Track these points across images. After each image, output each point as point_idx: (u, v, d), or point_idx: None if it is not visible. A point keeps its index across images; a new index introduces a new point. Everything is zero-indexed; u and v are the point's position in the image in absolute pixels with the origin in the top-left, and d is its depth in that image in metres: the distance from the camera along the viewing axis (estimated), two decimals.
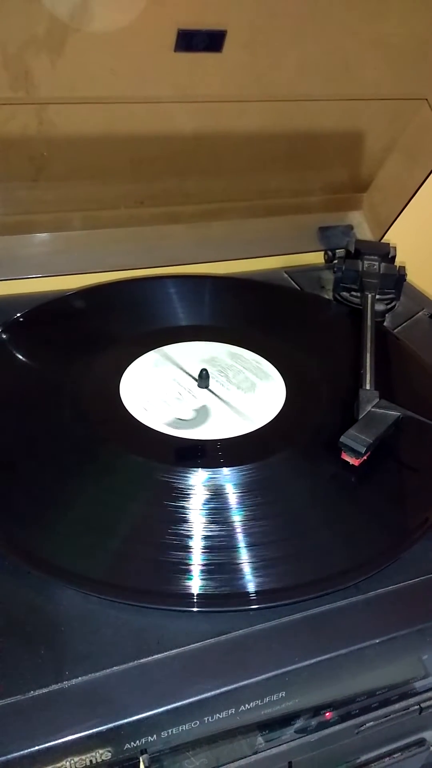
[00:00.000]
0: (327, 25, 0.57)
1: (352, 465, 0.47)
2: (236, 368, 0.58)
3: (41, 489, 0.45)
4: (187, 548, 0.41)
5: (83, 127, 0.59)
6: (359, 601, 0.40)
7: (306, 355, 0.60)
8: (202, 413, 0.52)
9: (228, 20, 0.54)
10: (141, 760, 0.35)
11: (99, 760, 0.34)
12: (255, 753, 0.40)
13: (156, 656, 0.36)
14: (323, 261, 0.79)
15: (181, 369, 0.57)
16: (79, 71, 0.53)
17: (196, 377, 0.55)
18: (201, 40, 0.54)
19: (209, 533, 0.42)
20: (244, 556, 0.41)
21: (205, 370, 0.55)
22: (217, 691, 0.35)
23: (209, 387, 0.55)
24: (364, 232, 0.81)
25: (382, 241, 0.79)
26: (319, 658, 0.37)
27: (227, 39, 0.55)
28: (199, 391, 0.55)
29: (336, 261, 0.72)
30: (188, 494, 0.44)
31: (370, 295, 0.65)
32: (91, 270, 0.69)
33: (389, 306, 0.69)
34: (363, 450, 0.46)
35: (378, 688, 0.42)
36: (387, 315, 0.69)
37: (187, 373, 0.56)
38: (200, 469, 0.46)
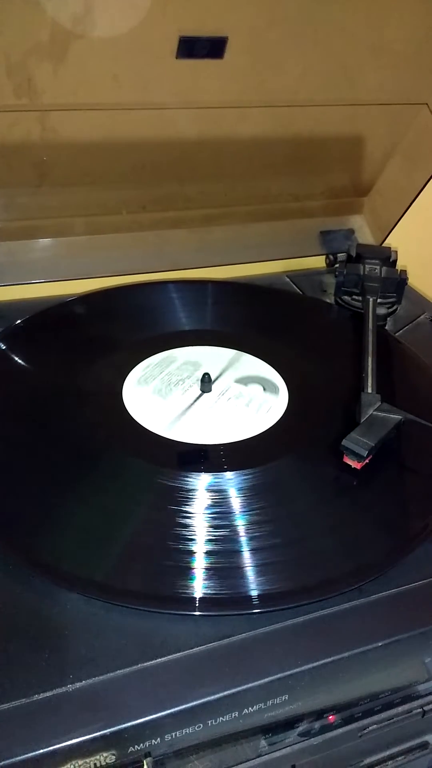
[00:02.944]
0: (327, 31, 0.58)
1: (354, 468, 0.47)
2: (238, 372, 0.58)
3: (44, 494, 0.45)
4: (189, 552, 0.41)
5: (86, 134, 0.59)
6: (362, 604, 0.40)
7: (308, 358, 0.61)
8: (202, 417, 0.52)
9: (229, 27, 0.54)
10: (145, 763, 0.35)
11: (103, 763, 0.34)
12: (258, 756, 0.41)
13: (159, 660, 0.36)
14: (325, 265, 0.79)
15: (184, 373, 0.57)
16: (81, 78, 0.53)
17: (199, 381, 0.56)
18: (202, 47, 0.54)
19: (212, 537, 0.42)
20: (247, 560, 0.41)
21: (207, 374, 0.55)
22: (221, 695, 0.35)
23: (212, 391, 0.55)
24: (365, 236, 0.82)
25: (384, 245, 0.79)
26: (321, 662, 0.37)
27: (228, 45, 0.55)
28: (202, 395, 0.55)
29: (337, 265, 0.72)
30: (191, 498, 0.44)
31: (371, 299, 0.65)
32: (94, 275, 0.69)
33: (390, 310, 0.69)
34: (365, 453, 0.46)
35: (381, 691, 0.42)
36: (388, 319, 0.69)
37: (189, 377, 0.57)
38: (203, 473, 0.46)
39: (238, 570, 0.40)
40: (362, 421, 0.49)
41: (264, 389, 0.56)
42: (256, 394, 0.55)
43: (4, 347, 0.59)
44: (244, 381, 0.57)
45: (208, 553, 0.41)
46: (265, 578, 0.40)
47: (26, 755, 0.32)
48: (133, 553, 0.41)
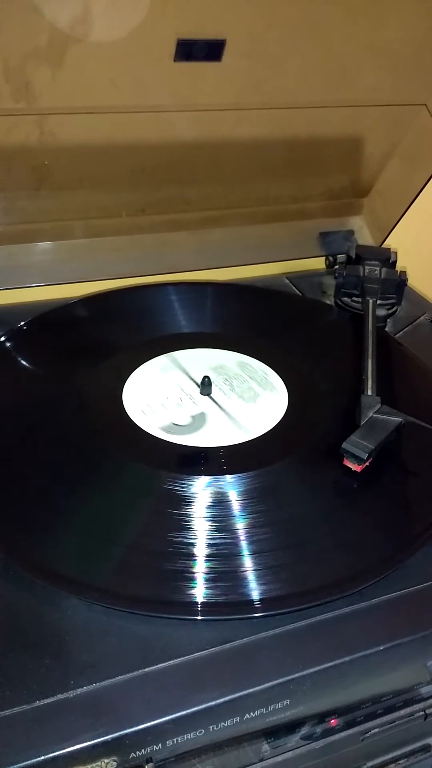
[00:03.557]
0: (326, 33, 0.58)
1: (355, 471, 0.47)
2: (238, 374, 0.58)
3: (45, 498, 0.45)
4: (190, 556, 0.41)
5: (84, 137, 0.59)
6: (363, 608, 0.40)
7: (307, 360, 0.60)
8: (203, 420, 0.52)
9: (227, 30, 0.54)
10: None
11: None
12: (261, 760, 0.41)
13: (160, 665, 0.36)
14: (324, 266, 0.79)
15: (184, 376, 0.57)
16: (79, 82, 0.53)
17: (198, 384, 0.55)
18: (200, 50, 0.54)
19: (213, 541, 0.42)
20: (248, 564, 0.41)
21: (207, 377, 0.55)
22: (222, 700, 0.35)
23: (211, 394, 0.55)
24: (364, 237, 0.81)
25: (383, 246, 0.79)
26: (323, 666, 0.37)
27: (226, 48, 0.55)
28: (201, 398, 0.55)
29: (337, 266, 0.72)
30: (191, 502, 0.44)
31: (371, 301, 0.65)
32: (94, 278, 0.69)
33: (390, 311, 0.69)
34: (365, 456, 0.46)
35: (383, 694, 0.42)
36: (388, 320, 0.69)
37: (189, 380, 0.57)
38: (203, 476, 0.46)
39: (239, 574, 0.40)
40: (362, 423, 0.49)
41: (264, 391, 0.56)
42: (256, 396, 0.55)
43: (5, 350, 0.59)
44: (244, 383, 0.57)
45: (209, 557, 0.41)
46: (266, 582, 0.40)
47: (27, 762, 0.32)
48: (134, 557, 0.41)
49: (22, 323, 0.62)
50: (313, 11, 0.55)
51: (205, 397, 0.55)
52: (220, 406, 0.54)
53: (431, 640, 0.40)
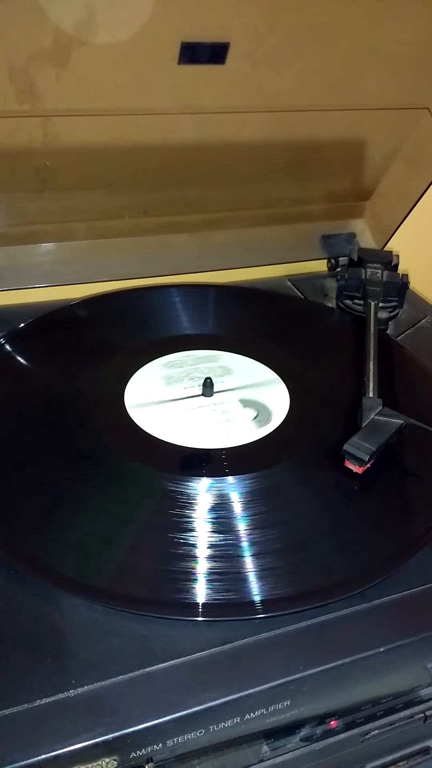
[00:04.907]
0: (328, 36, 0.58)
1: (356, 473, 0.47)
2: (240, 376, 0.58)
3: (46, 498, 0.45)
4: (191, 557, 0.41)
5: (88, 139, 0.60)
6: (363, 609, 0.40)
7: (309, 363, 0.61)
8: (204, 421, 0.52)
9: (231, 33, 0.54)
10: None
11: None
12: (260, 761, 0.41)
13: (161, 665, 0.36)
14: (326, 269, 0.79)
15: (185, 378, 0.57)
16: (83, 84, 0.54)
17: (200, 386, 0.56)
18: (204, 53, 0.54)
19: (214, 542, 0.42)
20: (249, 565, 0.41)
21: (209, 378, 0.55)
22: (222, 700, 0.35)
23: (213, 395, 0.55)
24: (366, 240, 0.82)
25: (385, 249, 0.79)
26: (323, 667, 0.37)
27: (230, 51, 0.55)
28: (204, 399, 0.55)
29: (339, 269, 0.72)
30: (193, 503, 0.44)
31: (373, 303, 0.65)
32: (95, 279, 0.69)
33: (392, 314, 0.70)
34: (366, 458, 0.46)
35: (383, 696, 0.42)
36: (390, 323, 0.69)
37: (191, 381, 0.57)
38: (204, 477, 0.46)
39: (239, 575, 0.40)
40: (364, 425, 0.49)
41: (265, 394, 0.56)
42: (258, 398, 0.55)
43: (6, 351, 0.59)
44: (246, 385, 0.57)
45: (210, 558, 0.41)
46: (267, 583, 0.40)
47: (28, 761, 0.32)
48: (135, 557, 0.41)
49: (22, 324, 0.62)
50: (316, 15, 0.56)
51: (208, 398, 0.55)
52: (224, 406, 0.54)
53: (431, 642, 0.40)
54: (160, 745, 0.35)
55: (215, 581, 0.40)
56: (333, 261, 0.78)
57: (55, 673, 0.35)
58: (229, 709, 0.35)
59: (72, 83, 0.53)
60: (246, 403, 0.55)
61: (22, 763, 0.32)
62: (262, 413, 0.54)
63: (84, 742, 0.33)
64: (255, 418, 0.53)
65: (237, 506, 0.45)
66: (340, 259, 0.76)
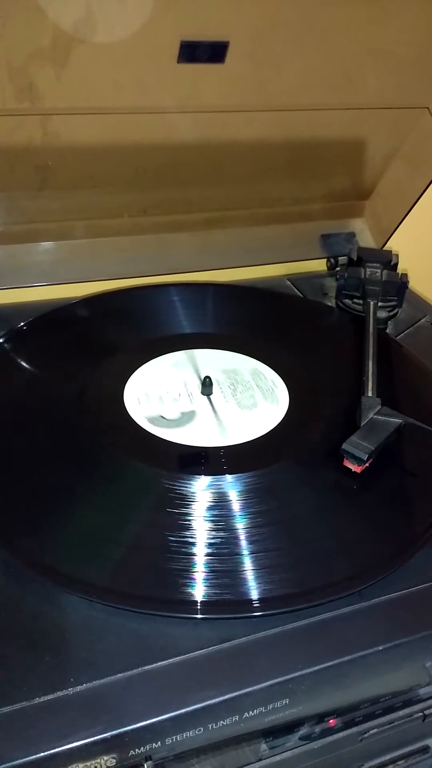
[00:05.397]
0: (328, 35, 0.58)
1: (355, 472, 0.47)
2: (238, 374, 0.58)
3: (45, 496, 0.45)
4: (190, 555, 0.41)
5: (87, 138, 0.60)
6: (362, 608, 0.40)
7: (308, 361, 0.61)
8: (204, 420, 0.52)
9: (230, 32, 0.54)
10: (145, 766, 0.35)
11: (104, 766, 0.34)
12: (259, 760, 0.41)
13: (160, 663, 0.36)
14: (326, 268, 0.79)
15: (185, 376, 0.57)
16: (83, 82, 0.54)
17: (199, 385, 0.56)
18: (204, 52, 0.54)
19: (213, 540, 0.42)
20: (248, 564, 0.41)
21: (208, 377, 0.55)
22: (221, 698, 0.35)
23: (212, 394, 0.55)
24: (366, 239, 0.82)
25: (385, 248, 0.79)
26: (322, 666, 0.37)
27: (230, 50, 0.55)
28: (203, 397, 0.55)
29: (338, 268, 0.72)
30: (192, 501, 0.45)
31: (372, 303, 0.65)
32: (95, 278, 0.69)
33: (391, 313, 0.70)
34: (365, 457, 0.46)
35: (382, 695, 0.42)
36: (389, 322, 0.69)
37: (190, 380, 0.57)
38: (204, 476, 0.46)
39: (238, 573, 0.40)
40: (362, 424, 0.49)
41: (263, 392, 0.56)
42: (255, 397, 0.55)
43: (6, 350, 0.59)
44: (245, 384, 0.57)
45: (209, 556, 0.41)
46: (266, 581, 0.40)
47: (27, 758, 0.32)
48: (134, 555, 0.41)
49: (21, 323, 0.62)
50: (316, 14, 0.56)
51: (207, 397, 0.55)
52: (224, 405, 0.54)
53: (430, 641, 0.40)
54: (159, 743, 0.35)
55: (214, 579, 0.40)
56: (332, 260, 0.78)
57: (54, 671, 0.35)
58: (227, 708, 0.35)
59: (71, 82, 0.53)
60: (245, 401, 0.55)
61: (20, 761, 0.32)
62: (260, 412, 0.54)
63: (83, 740, 0.33)
64: (254, 416, 0.53)
65: (236, 504, 0.45)
66: (340, 258, 0.76)
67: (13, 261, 0.67)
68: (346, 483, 0.47)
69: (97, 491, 0.46)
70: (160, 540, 0.42)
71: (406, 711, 0.44)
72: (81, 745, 0.32)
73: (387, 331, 0.68)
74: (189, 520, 0.43)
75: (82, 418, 0.52)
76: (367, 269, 0.69)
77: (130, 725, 0.33)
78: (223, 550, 0.41)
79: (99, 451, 0.49)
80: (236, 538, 0.42)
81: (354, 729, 0.43)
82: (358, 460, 0.47)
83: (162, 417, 0.52)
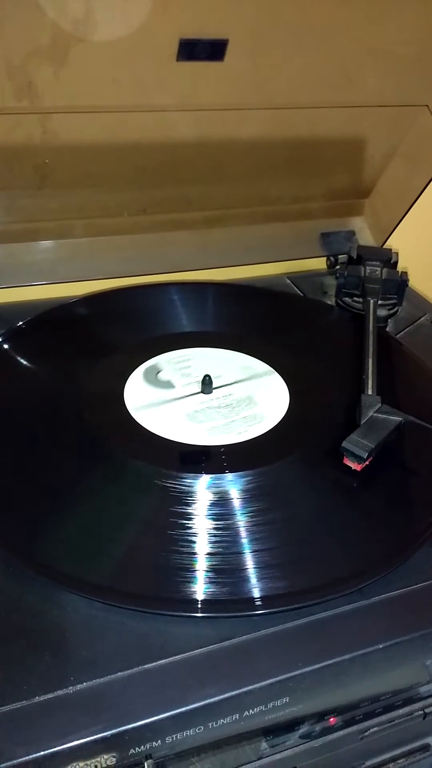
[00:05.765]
0: (327, 33, 0.58)
1: (355, 470, 0.47)
2: (239, 373, 0.58)
3: (45, 495, 0.45)
4: (190, 554, 0.41)
5: (86, 136, 0.59)
6: (363, 606, 0.40)
7: (308, 360, 0.61)
8: (204, 418, 0.52)
9: (230, 29, 0.54)
10: (146, 765, 0.35)
11: (104, 765, 0.34)
12: (259, 758, 0.41)
13: (160, 662, 0.36)
14: (325, 267, 0.79)
15: (185, 375, 0.57)
16: (82, 81, 0.54)
17: (199, 383, 0.56)
18: (203, 50, 0.54)
19: (213, 539, 0.42)
20: (248, 562, 0.41)
21: (208, 375, 0.55)
22: (221, 697, 0.35)
23: (212, 392, 0.55)
24: (366, 237, 0.82)
25: (384, 246, 0.79)
26: (323, 664, 0.37)
27: (229, 48, 0.55)
28: (203, 396, 0.55)
29: (338, 267, 0.72)
30: (192, 500, 0.44)
31: (372, 301, 0.65)
32: (95, 277, 0.69)
33: (391, 311, 0.70)
34: (365, 455, 0.46)
35: (382, 693, 0.42)
36: (389, 320, 0.69)
37: (190, 378, 0.57)
38: (204, 474, 0.46)
39: (239, 572, 0.40)
40: (362, 422, 0.49)
41: (265, 390, 0.56)
42: (257, 395, 0.55)
43: (5, 349, 0.59)
44: (245, 382, 0.57)
45: (209, 555, 0.41)
46: (266, 580, 0.40)
47: (27, 757, 0.32)
48: (134, 554, 0.41)
49: (21, 322, 0.62)
50: (316, 12, 0.56)
51: (207, 395, 0.55)
52: (224, 403, 0.54)
53: (430, 639, 0.40)
54: (159, 741, 0.35)
55: (214, 577, 0.40)
56: (332, 258, 0.78)
57: (54, 669, 0.35)
58: (228, 706, 0.35)
59: (70, 80, 0.53)
60: (245, 400, 0.55)
61: (20, 759, 0.32)
62: (261, 410, 0.53)
63: (83, 738, 0.32)
64: (254, 415, 0.53)
65: (236, 503, 0.45)
66: (340, 256, 0.76)
67: (12, 260, 0.67)
68: (346, 481, 0.47)
69: (97, 490, 0.46)
70: (160, 538, 0.42)
71: (407, 709, 0.44)
72: (81, 744, 0.32)
73: (387, 329, 0.68)
74: (189, 519, 0.43)
75: (82, 417, 0.52)
76: (367, 267, 0.69)
77: (130, 724, 0.33)
78: (224, 549, 0.41)
79: (99, 450, 0.49)
80: (236, 536, 0.42)
81: (354, 727, 0.43)
82: (358, 458, 0.47)
83: (175, 419, 0.52)
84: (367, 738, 0.43)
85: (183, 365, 0.59)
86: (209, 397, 0.55)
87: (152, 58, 0.54)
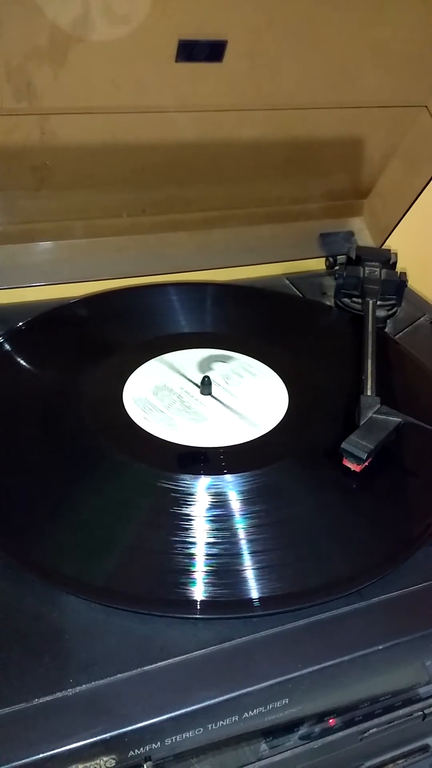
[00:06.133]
0: (326, 34, 0.58)
1: (354, 471, 0.47)
2: (238, 375, 0.58)
3: (44, 497, 0.45)
4: (189, 555, 0.41)
5: (85, 137, 0.59)
6: (362, 607, 0.40)
7: (307, 361, 0.61)
8: (203, 420, 0.52)
9: (228, 30, 0.54)
10: (145, 767, 0.35)
11: (103, 767, 0.34)
12: (259, 759, 0.41)
13: (159, 663, 0.36)
14: (324, 267, 0.79)
15: (184, 376, 0.57)
16: (80, 82, 0.54)
17: (199, 384, 0.56)
18: (202, 51, 0.54)
19: (212, 540, 0.42)
20: (247, 563, 0.41)
21: (207, 377, 0.55)
22: (221, 698, 0.35)
23: (212, 394, 0.55)
24: (365, 238, 0.82)
25: (383, 247, 0.79)
26: (322, 665, 0.37)
27: (228, 49, 0.55)
28: (202, 397, 0.55)
29: (337, 267, 0.72)
30: (191, 501, 0.44)
31: (371, 302, 0.65)
32: (94, 278, 0.69)
33: (390, 312, 0.70)
34: (364, 456, 0.46)
35: (381, 694, 0.42)
36: (388, 321, 0.69)
37: (189, 380, 0.57)
38: (203, 476, 0.46)
39: (238, 573, 0.40)
40: (362, 423, 0.49)
41: (263, 392, 0.56)
42: (255, 396, 0.55)
43: (5, 350, 0.59)
44: (244, 384, 0.57)
45: (208, 556, 0.41)
46: (265, 581, 0.40)
47: (26, 759, 0.32)
48: (133, 556, 0.41)
49: (20, 323, 0.62)
50: (314, 12, 0.56)
51: (206, 397, 0.55)
52: (223, 405, 0.54)
53: (430, 640, 0.40)
54: (159, 743, 0.35)
55: (213, 579, 0.40)
56: (331, 259, 0.78)
57: (53, 672, 0.35)
58: (227, 708, 0.35)
59: (69, 81, 0.53)
60: (244, 400, 0.55)
61: (19, 762, 0.32)
62: (260, 411, 0.53)
63: (82, 741, 0.32)
64: (253, 416, 0.53)
65: (235, 504, 0.45)
66: (339, 257, 0.76)
67: (11, 261, 0.67)
68: (346, 482, 0.47)
69: (95, 491, 0.46)
70: (159, 540, 0.42)
71: (406, 710, 0.44)
72: (80, 746, 0.32)
73: (386, 330, 0.68)
74: (188, 521, 0.43)
75: (81, 418, 0.52)
76: (366, 268, 0.69)
77: (129, 726, 0.33)
78: (223, 550, 0.41)
79: (98, 452, 0.49)
80: (235, 538, 0.42)
81: (354, 728, 0.42)
82: (358, 459, 0.47)
83: (175, 421, 0.52)
84: (366, 739, 0.43)
85: (181, 366, 0.59)
86: (208, 398, 0.55)
87: (151, 59, 0.54)
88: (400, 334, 0.69)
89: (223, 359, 0.60)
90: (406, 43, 0.61)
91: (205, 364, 0.59)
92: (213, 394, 0.55)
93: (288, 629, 0.38)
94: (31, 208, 0.65)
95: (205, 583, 0.39)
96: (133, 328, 0.64)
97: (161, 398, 0.54)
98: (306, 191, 0.76)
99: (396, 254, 0.72)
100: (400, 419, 0.49)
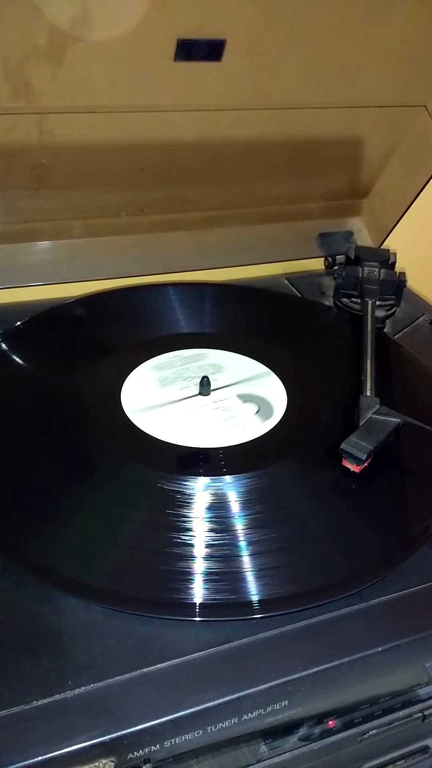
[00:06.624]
0: (325, 33, 0.58)
1: (353, 472, 0.47)
2: (237, 375, 0.58)
3: (43, 498, 0.45)
4: (189, 557, 0.41)
5: (84, 136, 0.59)
6: (361, 609, 0.40)
7: (306, 361, 0.60)
8: (202, 420, 0.52)
9: (227, 30, 0.54)
10: None
11: None
12: (258, 761, 0.41)
13: (158, 666, 0.36)
14: (323, 267, 0.79)
15: (182, 376, 0.57)
16: (79, 81, 0.53)
17: (197, 384, 0.55)
18: (200, 50, 0.54)
19: (211, 542, 0.42)
20: (246, 565, 0.41)
21: (206, 377, 0.55)
22: (220, 700, 0.35)
23: (210, 394, 0.55)
24: (364, 238, 0.81)
25: (382, 247, 0.79)
26: (321, 667, 0.37)
27: (226, 48, 0.55)
28: (201, 398, 0.55)
29: (336, 267, 0.72)
30: (190, 502, 0.44)
31: (370, 302, 0.65)
32: (92, 278, 0.69)
33: (389, 312, 0.69)
34: (364, 457, 0.46)
35: (381, 695, 0.42)
36: (387, 321, 0.69)
37: (188, 380, 0.57)
38: (202, 477, 0.46)
39: (237, 575, 0.40)
40: (361, 424, 0.49)
41: (262, 392, 0.56)
42: (255, 396, 0.55)
43: (2, 350, 0.59)
44: (243, 384, 0.57)
45: (207, 558, 0.41)
46: (265, 583, 0.40)
47: (25, 762, 0.32)
48: (132, 558, 0.41)
49: (18, 323, 0.62)
50: (314, 12, 0.55)
51: (205, 397, 0.55)
52: (222, 405, 0.54)
53: (429, 641, 0.40)
54: (158, 745, 0.35)
55: (213, 581, 0.39)
56: (330, 259, 0.78)
57: (52, 673, 0.35)
58: (226, 710, 0.35)
59: (68, 80, 0.53)
60: (245, 399, 0.55)
61: (19, 764, 0.31)
62: (262, 409, 0.53)
63: (81, 743, 0.32)
64: (256, 413, 0.53)
65: (234, 505, 0.45)
66: (338, 257, 0.76)
67: (9, 261, 0.67)
68: (345, 483, 0.47)
69: (94, 493, 0.46)
70: (158, 542, 0.42)
71: (406, 711, 0.44)
72: (80, 748, 0.32)
73: (385, 330, 0.68)
74: (187, 522, 0.43)
75: (80, 418, 0.51)
76: (365, 268, 0.69)
77: (128, 728, 0.33)
78: (222, 552, 0.41)
79: (97, 452, 0.49)
80: (235, 539, 0.42)
81: (353, 730, 0.42)
82: (357, 460, 0.46)
83: (175, 422, 0.51)
84: (366, 740, 0.43)
85: (179, 366, 0.58)
86: (207, 399, 0.55)
87: (150, 58, 0.54)
88: (399, 334, 0.69)
89: (222, 359, 0.60)
90: (406, 43, 0.61)
91: (204, 365, 0.59)
92: (211, 394, 0.55)
93: (287, 631, 0.38)
94: (29, 207, 0.65)
95: (205, 584, 0.39)
96: (131, 328, 0.64)
97: (159, 398, 0.54)
98: (305, 191, 0.76)
99: (395, 254, 0.72)
100: (399, 420, 0.49)
